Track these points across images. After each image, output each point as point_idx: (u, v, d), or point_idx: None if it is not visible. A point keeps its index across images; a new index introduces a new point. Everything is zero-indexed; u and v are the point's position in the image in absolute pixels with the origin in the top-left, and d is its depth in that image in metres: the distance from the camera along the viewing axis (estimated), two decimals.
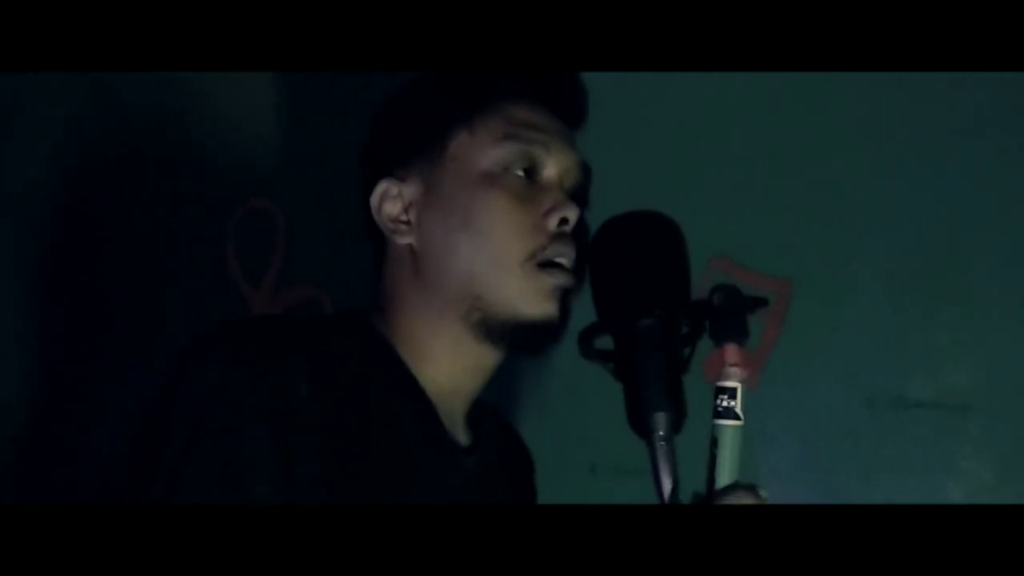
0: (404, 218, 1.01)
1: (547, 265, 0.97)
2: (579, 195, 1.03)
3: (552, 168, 1.00)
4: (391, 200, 1.01)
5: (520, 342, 0.98)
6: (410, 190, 1.01)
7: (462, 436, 1.02)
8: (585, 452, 1.40)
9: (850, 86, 1.32)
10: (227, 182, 1.65)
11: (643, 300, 0.93)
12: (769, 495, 0.90)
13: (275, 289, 1.61)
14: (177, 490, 0.85)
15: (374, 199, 1.01)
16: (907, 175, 1.30)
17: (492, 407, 1.13)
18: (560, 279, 0.97)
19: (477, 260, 0.97)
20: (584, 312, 0.99)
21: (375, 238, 1.04)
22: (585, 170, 1.03)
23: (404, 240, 1.00)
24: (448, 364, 1.00)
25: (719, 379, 0.89)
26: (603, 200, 1.05)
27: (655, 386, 0.91)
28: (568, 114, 1.05)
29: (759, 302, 0.93)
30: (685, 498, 0.91)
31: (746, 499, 0.87)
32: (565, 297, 0.99)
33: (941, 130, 1.29)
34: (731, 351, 0.89)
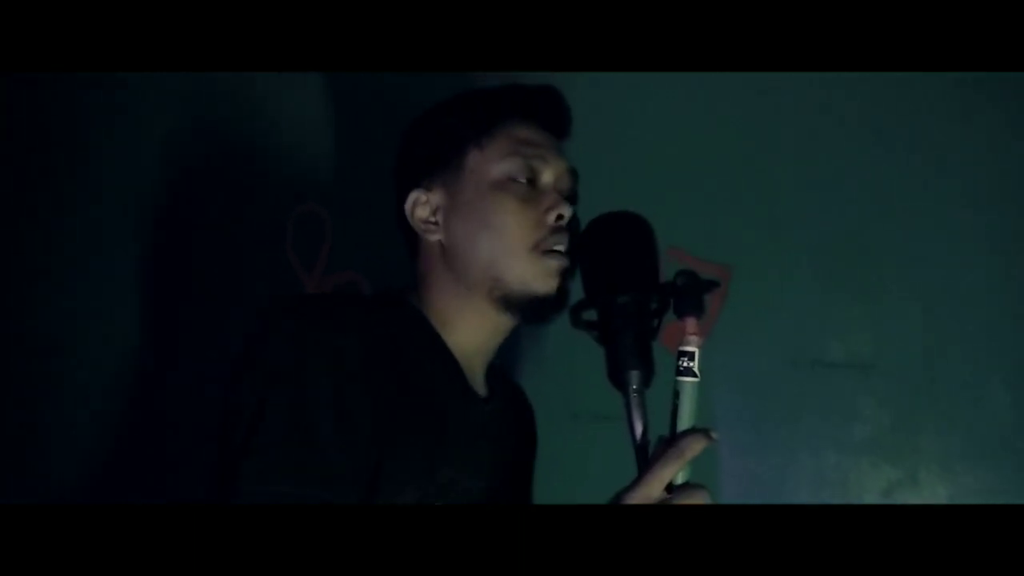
0: (433, 220, 1.15)
1: (548, 252, 1.11)
2: (570, 195, 1.16)
3: (549, 175, 1.14)
4: (421, 206, 1.16)
5: (532, 312, 1.12)
6: (436, 197, 1.15)
7: (481, 390, 1.17)
8: (573, 401, 1.48)
9: (783, 96, 1.39)
10: (287, 186, 1.74)
11: (621, 282, 1.05)
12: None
13: (323, 273, 1.69)
14: (256, 435, 0.93)
15: (407, 206, 1.16)
16: (827, 178, 1.37)
17: (503, 370, 1.25)
18: (559, 261, 1.11)
19: (494, 250, 1.11)
20: (574, 291, 1.11)
21: (408, 234, 1.18)
22: (574, 174, 1.18)
23: (434, 237, 1.15)
24: (472, 330, 1.14)
25: (680, 345, 0.98)
26: (585, 197, 1.17)
27: (630, 349, 1.02)
28: (556, 129, 1.19)
29: (713, 284, 1.03)
30: (652, 439, 1.00)
31: (701, 440, 0.97)
32: (565, 275, 1.12)
33: (859, 135, 1.36)
34: (691, 323, 0.99)
